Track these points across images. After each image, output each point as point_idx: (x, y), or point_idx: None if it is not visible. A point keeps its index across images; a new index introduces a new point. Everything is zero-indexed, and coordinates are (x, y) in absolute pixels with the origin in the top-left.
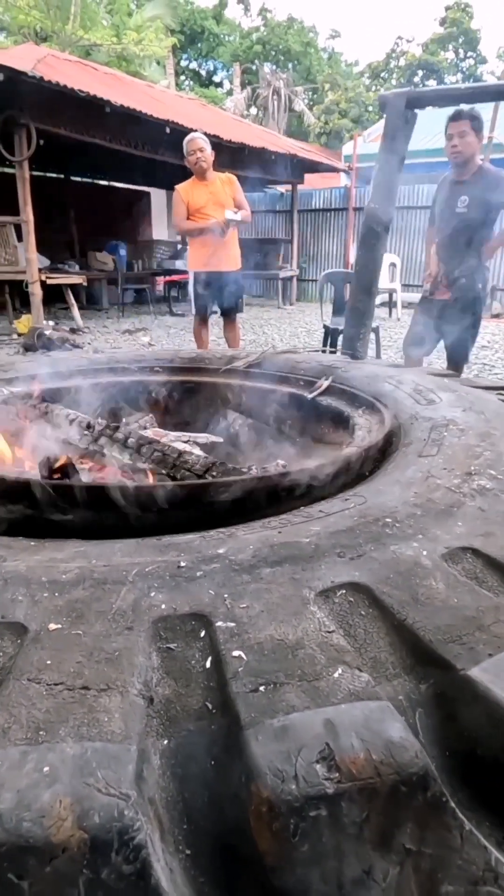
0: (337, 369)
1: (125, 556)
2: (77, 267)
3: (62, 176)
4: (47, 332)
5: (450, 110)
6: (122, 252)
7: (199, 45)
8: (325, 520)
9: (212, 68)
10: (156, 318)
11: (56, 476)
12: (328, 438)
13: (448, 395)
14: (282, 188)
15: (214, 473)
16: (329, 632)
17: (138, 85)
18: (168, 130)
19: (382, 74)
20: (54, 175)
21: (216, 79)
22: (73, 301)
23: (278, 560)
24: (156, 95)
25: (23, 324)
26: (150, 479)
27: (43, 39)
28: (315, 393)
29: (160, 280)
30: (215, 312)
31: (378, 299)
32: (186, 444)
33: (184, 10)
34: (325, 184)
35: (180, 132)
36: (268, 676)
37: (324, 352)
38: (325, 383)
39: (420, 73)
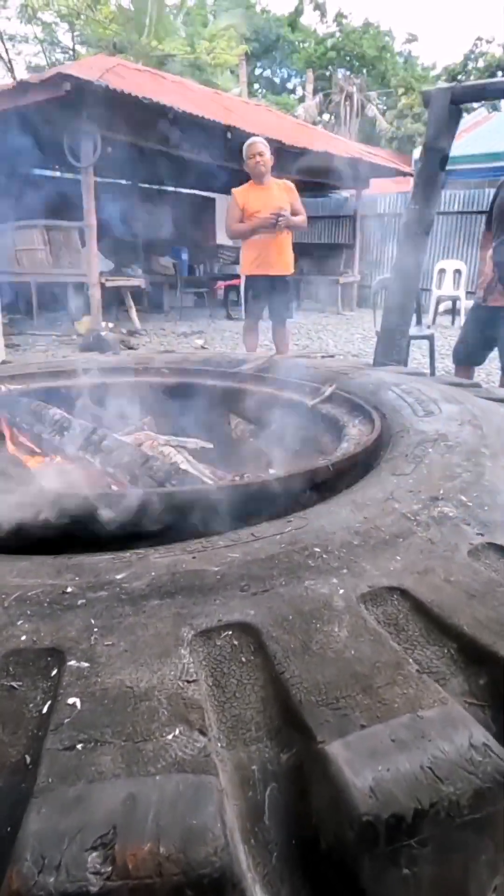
0: (344, 375)
1: (18, 577)
2: (140, 271)
3: (130, 182)
4: (103, 334)
5: None
6: (185, 257)
7: (274, 52)
8: (250, 545)
9: (285, 75)
10: (213, 322)
11: None
12: (326, 448)
13: (450, 406)
14: (346, 193)
15: (174, 482)
16: (189, 681)
17: (205, 92)
18: (230, 136)
19: (459, 77)
20: (123, 181)
21: (289, 86)
22: (131, 304)
23: (172, 590)
24: (221, 102)
25: (83, 325)
26: (118, 486)
27: (120, 51)
28: (316, 400)
29: (220, 284)
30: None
31: (442, 307)
32: (175, 448)
33: (259, 18)
34: (395, 188)
35: (243, 138)
36: (92, 732)
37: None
38: (328, 390)
39: (500, 74)
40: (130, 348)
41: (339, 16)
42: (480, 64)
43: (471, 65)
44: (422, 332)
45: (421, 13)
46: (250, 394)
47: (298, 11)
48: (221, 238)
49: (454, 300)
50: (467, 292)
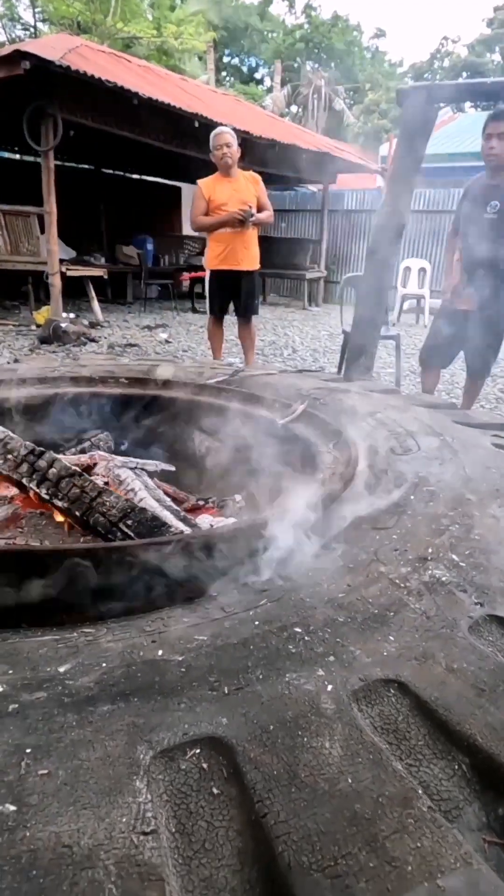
0: (317, 401)
1: None
2: (103, 260)
3: (93, 168)
4: (63, 325)
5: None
6: (150, 246)
7: (242, 41)
8: (221, 623)
9: (253, 65)
10: (178, 315)
11: None
12: (296, 470)
13: (430, 441)
14: (314, 187)
15: (130, 523)
16: (146, 832)
17: (171, 78)
18: (197, 124)
19: (426, 75)
20: (85, 166)
21: (257, 76)
22: (93, 294)
23: (126, 691)
24: (188, 89)
25: (42, 315)
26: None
27: (84, 31)
28: (287, 419)
29: (185, 276)
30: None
31: (406, 304)
32: (133, 470)
33: (228, 5)
34: (359, 184)
35: (210, 127)
36: None
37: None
38: (299, 408)
39: (465, 74)
40: (92, 340)
41: (308, 7)
42: (446, 63)
43: (437, 64)
44: (388, 332)
45: (389, 9)
46: (217, 408)
47: (267, 1)
48: (187, 228)
49: (419, 298)
50: (432, 291)
